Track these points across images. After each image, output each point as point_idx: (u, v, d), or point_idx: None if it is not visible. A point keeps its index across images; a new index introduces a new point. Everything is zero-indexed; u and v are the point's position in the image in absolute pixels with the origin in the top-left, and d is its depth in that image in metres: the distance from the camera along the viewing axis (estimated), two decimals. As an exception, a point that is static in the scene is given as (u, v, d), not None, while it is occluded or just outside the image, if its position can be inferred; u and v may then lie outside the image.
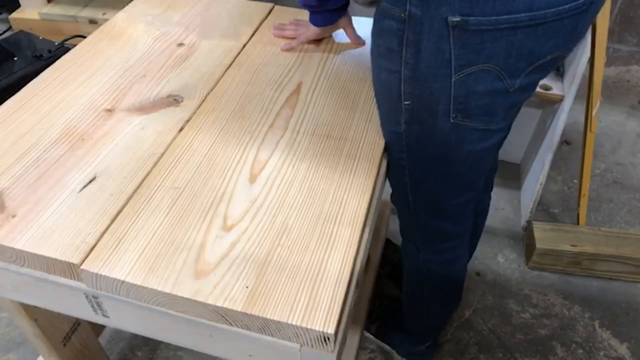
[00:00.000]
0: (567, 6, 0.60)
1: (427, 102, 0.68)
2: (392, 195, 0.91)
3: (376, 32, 0.69)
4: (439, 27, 0.61)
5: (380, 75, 0.72)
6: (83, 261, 0.61)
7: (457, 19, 0.59)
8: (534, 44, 0.62)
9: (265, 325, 0.57)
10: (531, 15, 0.59)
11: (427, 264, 0.95)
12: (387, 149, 0.80)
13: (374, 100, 0.86)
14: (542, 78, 0.71)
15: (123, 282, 0.59)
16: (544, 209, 1.61)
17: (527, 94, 0.71)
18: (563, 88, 1.38)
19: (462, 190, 0.83)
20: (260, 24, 1.06)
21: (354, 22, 1.00)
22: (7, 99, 0.84)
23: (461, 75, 0.64)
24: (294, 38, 0.99)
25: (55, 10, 1.73)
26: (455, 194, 0.83)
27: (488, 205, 1.11)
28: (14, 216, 0.65)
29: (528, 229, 1.48)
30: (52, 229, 0.64)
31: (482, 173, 0.82)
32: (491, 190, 1.08)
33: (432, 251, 0.93)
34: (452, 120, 0.69)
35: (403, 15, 0.62)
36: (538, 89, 1.39)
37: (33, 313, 0.86)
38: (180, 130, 0.79)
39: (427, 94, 0.67)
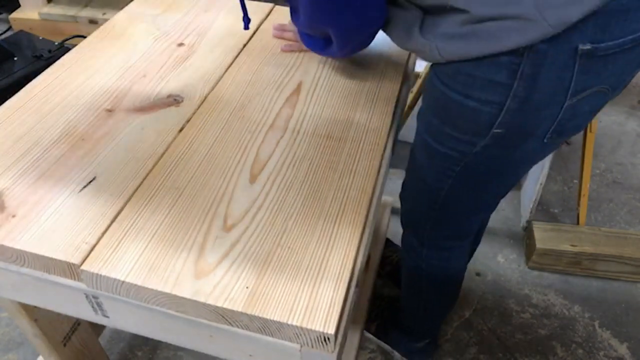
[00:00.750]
0: None
1: (526, 129, 0.65)
2: (403, 192, 0.91)
3: (470, 63, 0.62)
4: (565, 57, 0.57)
5: (464, 103, 0.65)
6: (83, 261, 0.61)
7: (588, 47, 0.56)
8: (638, 62, 0.61)
9: (265, 326, 0.57)
10: None
11: (428, 259, 0.95)
12: (427, 158, 0.78)
13: (374, 100, 0.86)
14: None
15: (123, 282, 0.59)
16: (544, 209, 1.61)
17: None
18: (563, 88, 1.38)
19: (492, 206, 0.83)
20: (261, 24, 1.06)
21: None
22: (7, 99, 0.84)
23: (574, 100, 0.61)
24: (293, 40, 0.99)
25: (55, 10, 1.73)
26: (481, 208, 0.84)
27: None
28: (14, 216, 0.65)
29: (528, 229, 1.48)
30: (52, 229, 0.64)
31: (510, 188, 0.82)
32: None
33: (436, 247, 0.93)
34: (545, 141, 0.66)
35: (521, 49, 0.57)
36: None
37: (33, 313, 0.85)
38: (181, 130, 0.79)
39: (530, 122, 0.64)
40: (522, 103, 0.61)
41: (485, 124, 0.65)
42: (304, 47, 0.91)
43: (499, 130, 0.65)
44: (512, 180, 0.78)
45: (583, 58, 0.57)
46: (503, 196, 0.84)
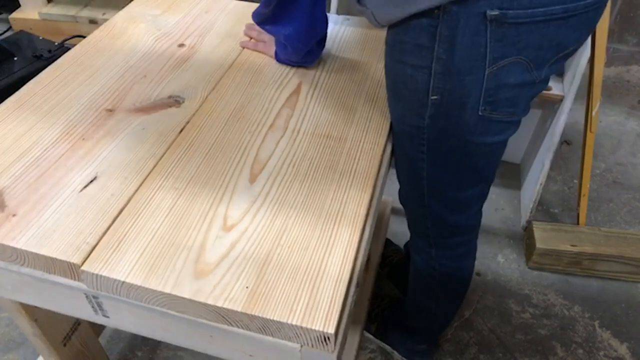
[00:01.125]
0: None
1: (457, 95, 0.68)
2: (400, 192, 0.91)
3: (400, 28, 0.68)
4: (476, 21, 0.61)
5: (403, 70, 0.71)
6: (84, 261, 0.61)
7: (496, 12, 0.59)
8: (564, 35, 0.64)
9: (265, 326, 0.57)
10: (565, 8, 0.60)
11: (440, 259, 0.95)
12: (401, 144, 0.80)
13: (374, 100, 0.86)
14: (557, 71, 0.73)
15: (123, 282, 0.59)
16: (544, 209, 1.61)
17: (545, 86, 0.73)
18: (563, 88, 1.38)
19: (476, 182, 0.84)
20: (261, 24, 1.06)
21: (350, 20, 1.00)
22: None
23: (494, 68, 0.64)
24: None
25: (55, 10, 1.73)
26: (470, 186, 0.84)
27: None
28: (14, 215, 0.66)
29: (528, 229, 1.48)
30: (52, 228, 0.64)
31: (496, 165, 0.83)
32: None
33: (445, 246, 0.94)
34: (480, 113, 0.69)
35: (437, 11, 0.62)
36: (538, 89, 1.39)
37: (33, 313, 0.86)
38: (181, 130, 0.79)
39: (458, 88, 0.68)
40: (445, 66, 0.66)
41: (422, 90, 0.70)
42: (258, 47, 0.97)
43: (435, 97, 0.70)
44: (480, 163, 0.79)
45: (493, 24, 0.61)
46: (484, 184, 0.85)
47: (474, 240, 0.97)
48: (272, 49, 0.94)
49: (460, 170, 0.80)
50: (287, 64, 0.94)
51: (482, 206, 0.91)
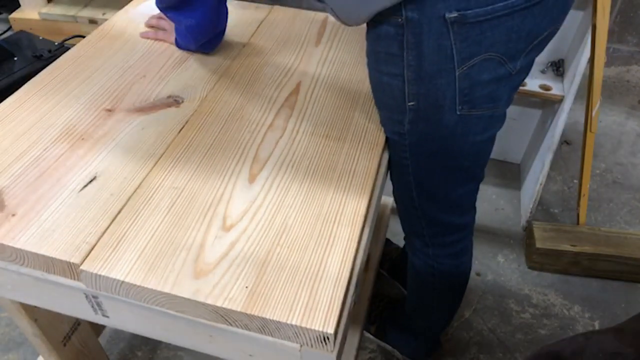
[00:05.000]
0: None
1: (432, 99, 0.69)
2: (393, 193, 0.92)
3: (373, 38, 0.69)
4: (437, 25, 0.61)
5: (381, 79, 0.72)
6: (83, 261, 0.61)
7: (455, 14, 0.59)
8: (532, 24, 0.63)
9: (265, 325, 0.57)
10: None
11: (437, 258, 0.95)
12: (389, 150, 0.80)
13: (373, 100, 0.86)
14: (538, 55, 0.73)
15: (123, 282, 0.59)
16: (544, 209, 1.61)
17: (526, 73, 0.73)
18: (563, 88, 1.38)
19: (464, 181, 0.83)
20: (259, 24, 1.06)
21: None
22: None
23: (465, 68, 0.64)
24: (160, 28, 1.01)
25: (55, 10, 1.73)
26: (458, 186, 0.84)
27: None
28: (13, 215, 0.66)
29: (528, 229, 1.48)
30: (52, 228, 0.64)
31: (484, 163, 0.83)
32: None
33: (441, 244, 0.94)
34: (458, 113, 0.69)
35: (400, 20, 0.62)
36: (538, 89, 1.39)
37: (33, 313, 0.86)
38: (180, 130, 0.79)
39: (432, 92, 0.68)
40: (417, 72, 0.66)
41: (399, 97, 0.70)
42: (159, 36, 0.99)
43: (412, 103, 0.70)
44: (466, 162, 0.79)
45: (455, 26, 0.60)
46: (473, 182, 0.85)
47: (469, 237, 0.97)
48: (173, 37, 0.96)
49: (446, 171, 0.80)
50: (187, 50, 0.96)
51: (474, 202, 0.91)
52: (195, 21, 0.88)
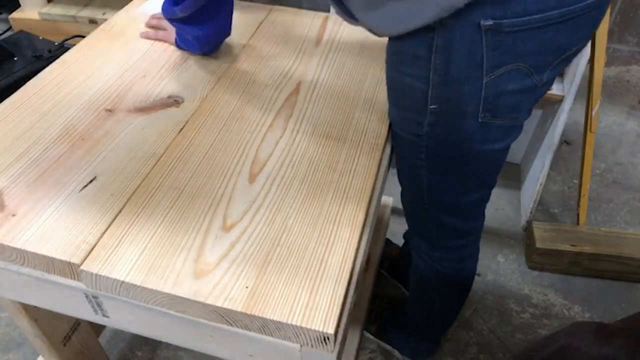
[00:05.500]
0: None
1: (456, 104, 0.68)
2: (402, 194, 0.91)
3: (399, 40, 0.68)
4: (471, 31, 0.60)
5: (402, 79, 0.71)
6: (83, 261, 0.61)
7: (490, 22, 0.59)
8: (564, 38, 0.63)
9: (265, 325, 0.57)
10: (562, 12, 0.59)
11: (442, 261, 0.95)
12: (401, 149, 0.80)
13: (373, 100, 0.86)
14: (564, 68, 0.72)
15: (123, 282, 0.59)
16: (544, 209, 1.61)
17: (549, 87, 0.72)
18: (563, 88, 1.38)
19: (478, 187, 0.83)
20: (260, 24, 1.06)
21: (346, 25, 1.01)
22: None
23: (492, 76, 0.64)
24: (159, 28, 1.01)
25: (55, 10, 1.73)
26: (471, 192, 0.83)
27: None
28: (14, 215, 0.66)
29: (528, 229, 1.48)
30: (52, 228, 0.64)
31: (498, 170, 0.83)
32: None
33: (447, 248, 0.93)
34: (480, 120, 0.69)
35: (432, 23, 0.61)
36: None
37: (33, 313, 0.86)
38: (180, 130, 0.79)
39: (456, 97, 0.67)
40: (443, 76, 0.65)
41: (421, 99, 0.70)
42: (159, 36, 0.99)
43: (433, 106, 0.69)
44: (480, 169, 0.79)
45: (488, 34, 0.60)
46: (485, 189, 0.85)
47: (476, 243, 0.97)
48: (173, 37, 0.96)
49: (460, 176, 0.80)
50: (187, 51, 0.96)
51: (484, 209, 0.91)
52: (203, 33, 0.88)
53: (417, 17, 0.62)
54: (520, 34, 0.60)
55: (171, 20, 0.90)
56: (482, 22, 0.59)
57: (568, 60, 0.69)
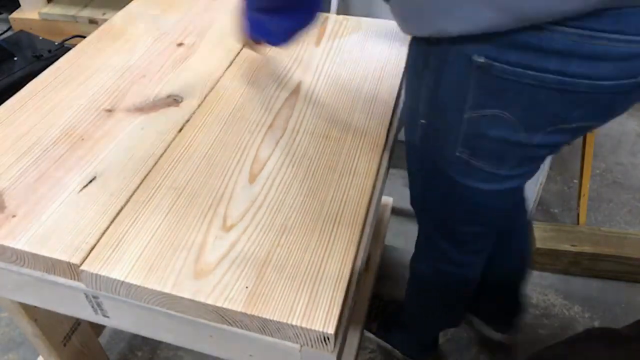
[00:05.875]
0: (605, 83, 0.54)
1: (439, 127, 0.67)
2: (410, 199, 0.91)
3: (412, 44, 0.68)
4: (462, 62, 0.58)
5: (412, 80, 0.70)
6: (83, 261, 0.61)
7: (482, 60, 0.56)
8: (559, 108, 0.57)
9: (265, 326, 0.57)
10: (561, 80, 0.54)
11: (441, 261, 0.94)
12: (405, 148, 0.80)
13: (373, 100, 0.86)
14: (567, 141, 0.65)
15: (123, 282, 0.59)
16: (544, 209, 1.61)
17: (549, 151, 0.67)
18: (563, 88, 1.38)
19: (469, 221, 0.79)
20: (260, 24, 1.06)
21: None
22: (7, 99, 0.84)
23: (474, 114, 0.61)
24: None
25: (55, 10, 1.73)
26: (463, 223, 0.80)
27: (526, 234, 1.10)
28: (14, 216, 0.66)
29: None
30: (52, 228, 0.64)
31: (496, 213, 0.78)
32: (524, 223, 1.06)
33: (450, 250, 0.90)
34: (457, 154, 0.67)
35: (432, 38, 0.60)
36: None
37: (33, 313, 0.86)
38: (180, 130, 0.79)
39: (440, 121, 0.66)
40: (431, 93, 0.65)
41: (415, 109, 0.70)
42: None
43: (423, 121, 0.70)
44: (468, 204, 0.75)
45: (478, 71, 0.57)
46: (481, 226, 0.81)
47: (483, 258, 0.94)
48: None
49: (449, 202, 0.77)
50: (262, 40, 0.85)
51: (483, 248, 0.87)
52: (297, 22, 0.77)
53: (420, 24, 0.61)
54: (510, 83, 0.56)
55: (260, 12, 0.79)
56: (475, 57, 0.56)
57: (572, 133, 0.62)
